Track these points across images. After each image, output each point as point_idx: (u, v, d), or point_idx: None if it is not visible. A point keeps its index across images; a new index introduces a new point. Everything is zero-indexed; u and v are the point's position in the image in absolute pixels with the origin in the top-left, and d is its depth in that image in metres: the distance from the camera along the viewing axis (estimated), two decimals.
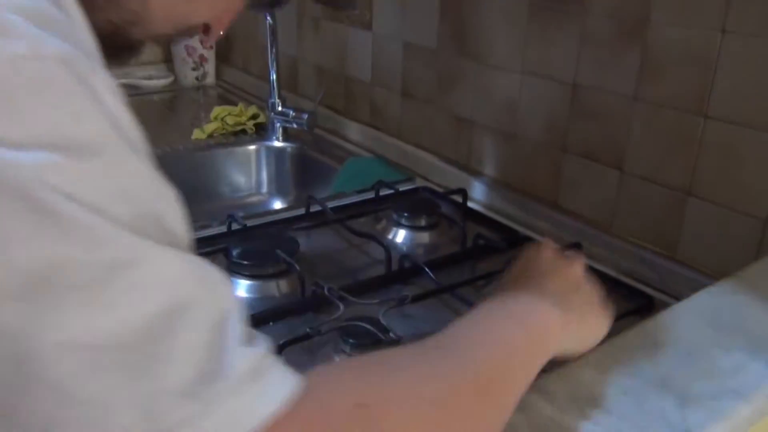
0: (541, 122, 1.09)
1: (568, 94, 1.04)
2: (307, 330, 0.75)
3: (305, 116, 1.45)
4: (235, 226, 1.03)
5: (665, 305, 0.86)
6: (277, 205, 1.49)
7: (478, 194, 1.21)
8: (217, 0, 0.57)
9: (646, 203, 0.96)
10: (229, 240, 0.98)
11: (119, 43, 0.54)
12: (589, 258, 0.97)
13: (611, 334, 0.57)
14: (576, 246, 0.98)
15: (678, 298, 0.88)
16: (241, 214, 1.08)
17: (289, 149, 1.50)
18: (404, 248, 1.04)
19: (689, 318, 0.61)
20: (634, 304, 0.89)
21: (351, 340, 0.75)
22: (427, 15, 1.26)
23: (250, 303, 0.89)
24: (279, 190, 1.51)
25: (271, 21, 1.43)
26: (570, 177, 1.07)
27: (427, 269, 0.90)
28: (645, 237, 0.97)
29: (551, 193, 1.10)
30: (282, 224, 1.06)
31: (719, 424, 0.47)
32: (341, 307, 0.81)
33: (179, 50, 1.89)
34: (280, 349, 0.73)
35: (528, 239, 1.06)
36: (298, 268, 0.88)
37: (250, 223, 1.04)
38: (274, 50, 1.46)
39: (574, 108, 1.04)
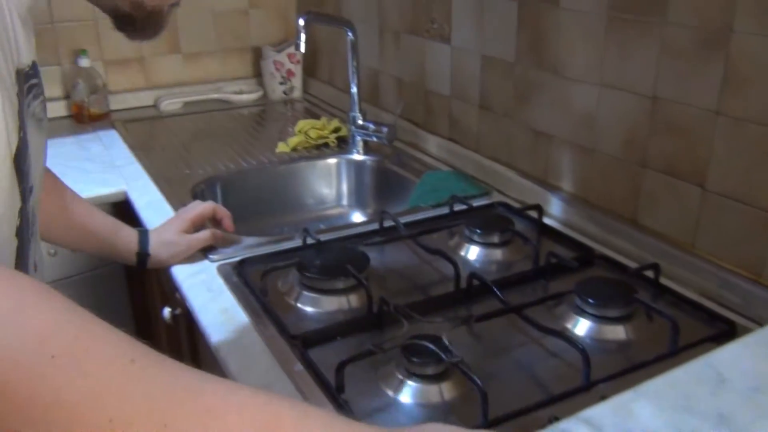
0: (619, 136, 1.06)
1: (648, 107, 1.00)
2: (370, 347, 0.76)
3: (385, 130, 1.47)
4: (309, 241, 1.06)
5: (747, 331, 0.82)
6: (357, 217, 1.51)
7: (555, 210, 1.18)
8: None
9: (729, 222, 0.92)
10: (302, 254, 1.01)
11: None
12: (668, 279, 0.94)
13: (675, 363, 0.55)
14: (653, 267, 0.94)
15: (761, 324, 0.83)
16: (319, 227, 1.11)
17: (368, 162, 1.52)
18: (476, 265, 1.04)
19: (760, 350, 0.57)
20: (714, 329, 0.85)
21: (414, 359, 0.75)
22: (504, 28, 1.25)
23: (320, 317, 0.91)
24: (359, 203, 1.54)
25: (352, 36, 1.46)
26: (650, 193, 1.03)
27: (495, 288, 0.89)
28: (728, 258, 0.92)
29: (630, 210, 1.07)
30: (355, 239, 1.08)
31: None
32: (406, 324, 0.82)
33: (268, 65, 1.95)
34: (342, 367, 0.74)
35: (603, 258, 1.03)
36: (366, 284, 0.90)
37: (323, 237, 1.07)
38: (354, 64, 1.49)
39: (654, 122, 1.00)
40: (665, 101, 0.98)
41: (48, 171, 0.93)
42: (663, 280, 0.95)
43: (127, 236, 1.03)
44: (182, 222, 1.07)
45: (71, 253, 1.37)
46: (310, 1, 1.98)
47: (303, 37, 1.30)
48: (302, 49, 1.31)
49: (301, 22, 1.31)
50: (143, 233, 1.04)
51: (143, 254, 1.03)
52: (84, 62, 1.74)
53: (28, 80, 0.58)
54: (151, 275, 1.35)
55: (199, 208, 1.09)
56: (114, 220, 1.04)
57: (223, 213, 1.12)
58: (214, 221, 1.12)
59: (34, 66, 0.61)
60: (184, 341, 1.11)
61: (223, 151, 1.57)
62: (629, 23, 1.01)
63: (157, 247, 1.03)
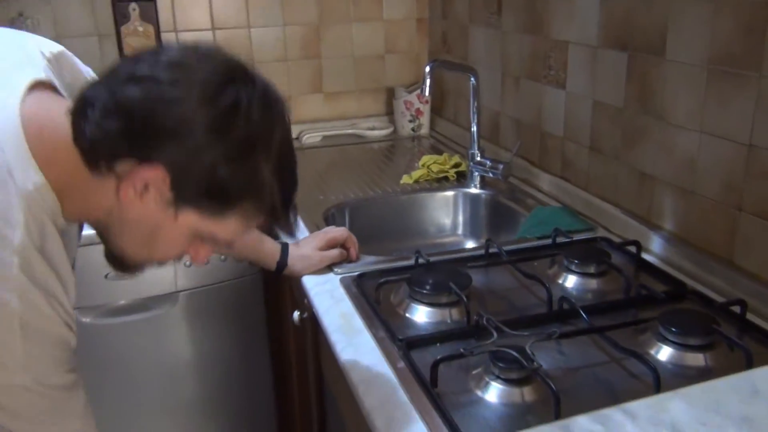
0: (718, 180, 1.12)
1: (744, 154, 1.06)
2: (461, 350, 0.88)
3: (501, 167, 1.59)
4: (420, 261, 1.20)
5: None
6: (470, 245, 1.63)
7: (655, 247, 1.25)
8: (169, 246, 0.76)
9: None
10: (413, 272, 1.15)
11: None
12: (757, 316, 0.99)
13: (713, 374, 0.63)
14: (739, 303, 1.00)
15: None
16: (431, 250, 1.24)
17: (484, 196, 1.64)
18: (572, 292, 1.13)
19: None
20: None
21: (500, 364, 0.87)
22: (615, 77, 1.34)
23: (424, 326, 1.05)
24: (473, 233, 1.66)
25: (474, 81, 1.60)
26: (745, 235, 1.08)
27: (581, 311, 0.99)
28: None
29: (726, 250, 1.12)
30: (461, 262, 1.21)
31: None
32: (494, 335, 0.93)
33: (399, 104, 2.14)
34: (436, 365, 0.87)
35: (695, 293, 1.09)
36: (465, 300, 1.02)
37: (433, 258, 1.20)
38: (475, 105, 1.63)
39: (750, 168, 1.06)
40: (761, 149, 1.03)
41: None
42: (751, 317, 1.00)
43: (271, 247, 1.22)
44: (319, 241, 1.25)
45: (220, 263, 1.59)
46: (440, 48, 2.15)
47: (428, 81, 1.46)
48: (426, 92, 1.47)
49: (428, 69, 1.47)
50: (285, 246, 1.23)
51: (282, 264, 1.22)
52: None
53: None
54: (284, 284, 1.54)
55: (335, 232, 1.27)
56: (259, 233, 1.24)
57: (352, 242, 1.28)
58: (343, 246, 1.28)
59: None
60: (308, 341, 1.28)
61: (353, 181, 1.75)
62: (728, 75, 1.08)
63: (294, 259, 1.22)
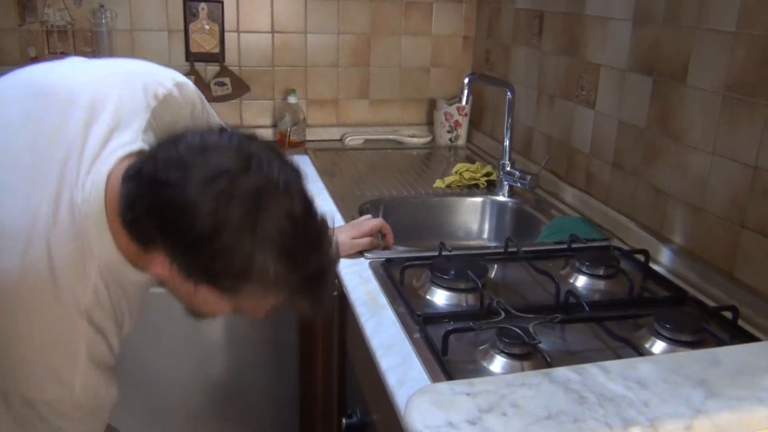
0: (724, 198, 1.21)
1: (749, 175, 1.15)
2: (471, 324, 0.99)
3: (529, 178, 1.69)
4: (443, 252, 1.31)
5: None
6: None
7: (664, 258, 1.34)
8: (211, 307, 0.89)
9: None
10: (436, 260, 1.26)
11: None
12: (750, 324, 1.08)
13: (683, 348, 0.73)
14: (731, 309, 1.08)
15: None
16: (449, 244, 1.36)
17: (510, 204, 1.75)
18: (581, 291, 1.23)
19: (759, 351, 0.73)
20: None
21: (504, 339, 0.97)
22: (640, 99, 1.44)
23: (442, 308, 1.16)
24: (497, 237, 1.77)
25: (510, 96, 1.71)
26: (746, 250, 1.17)
27: (584, 303, 1.09)
28: None
29: (728, 263, 1.21)
30: (477, 256, 1.32)
31: (731, 415, 0.60)
32: (502, 314, 1.04)
33: (439, 115, 2.26)
34: (447, 335, 0.98)
35: (694, 300, 1.18)
36: (479, 286, 1.13)
37: (455, 251, 1.31)
38: (510, 119, 1.74)
39: (754, 188, 1.15)
40: (765, 171, 1.12)
41: None
42: (743, 324, 1.09)
43: None
44: (356, 230, 1.36)
45: None
46: (482, 65, 2.26)
47: (466, 92, 1.58)
48: (464, 102, 1.59)
49: (466, 80, 1.59)
50: None
51: None
52: (292, 99, 2.14)
53: None
54: None
55: (373, 222, 1.38)
56: None
57: (388, 230, 1.40)
58: (379, 233, 1.40)
59: None
60: (336, 314, 1.39)
61: (390, 182, 1.87)
62: (741, 102, 1.17)
63: None
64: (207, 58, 2.09)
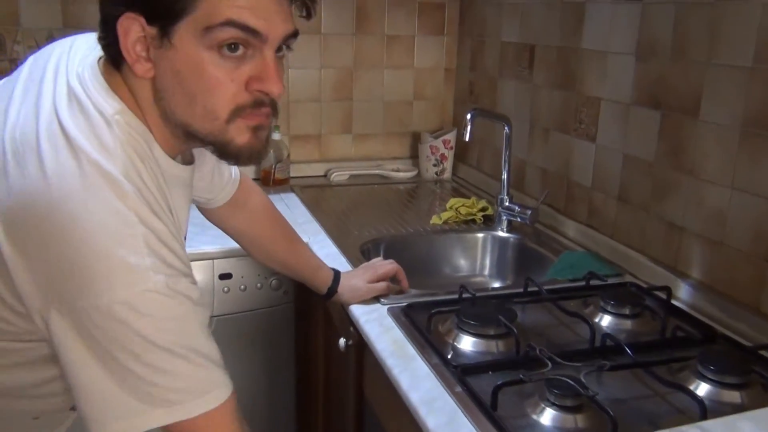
0: (747, 232, 1.21)
1: None
2: (521, 377, 0.95)
3: (529, 212, 1.67)
4: (465, 295, 1.27)
5: None
6: (495, 286, 1.70)
7: (683, 294, 1.33)
8: (207, 83, 0.77)
9: None
10: (461, 305, 1.21)
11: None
12: None
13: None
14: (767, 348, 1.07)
15: None
16: (473, 287, 1.31)
17: (511, 239, 1.72)
18: (608, 331, 1.20)
19: None
20: None
21: (555, 391, 0.93)
22: (647, 133, 1.43)
23: (473, 356, 1.11)
24: (499, 274, 1.73)
25: (508, 130, 1.69)
26: None
27: (626, 347, 1.06)
28: None
29: (753, 299, 1.20)
30: (503, 298, 1.28)
31: None
32: (549, 365, 0.99)
33: (425, 149, 2.23)
34: (497, 389, 0.93)
35: (725, 337, 1.16)
36: (515, 332, 1.09)
37: (478, 294, 1.27)
38: (507, 153, 1.71)
39: None
40: None
41: (279, 214, 1.32)
42: None
43: (325, 274, 1.31)
44: (371, 274, 1.31)
45: (255, 291, 1.65)
46: (466, 97, 2.25)
47: (469, 128, 1.55)
48: (467, 138, 1.56)
49: (469, 116, 1.56)
50: (337, 275, 1.31)
51: (332, 290, 1.30)
52: (276, 136, 2.08)
53: None
54: (318, 314, 1.60)
55: (388, 267, 1.34)
56: (319, 260, 1.35)
57: (402, 275, 1.35)
58: (394, 278, 1.35)
59: None
60: (351, 366, 1.33)
61: (382, 218, 1.82)
62: (761, 137, 1.17)
63: (344, 288, 1.29)
64: None
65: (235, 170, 1.21)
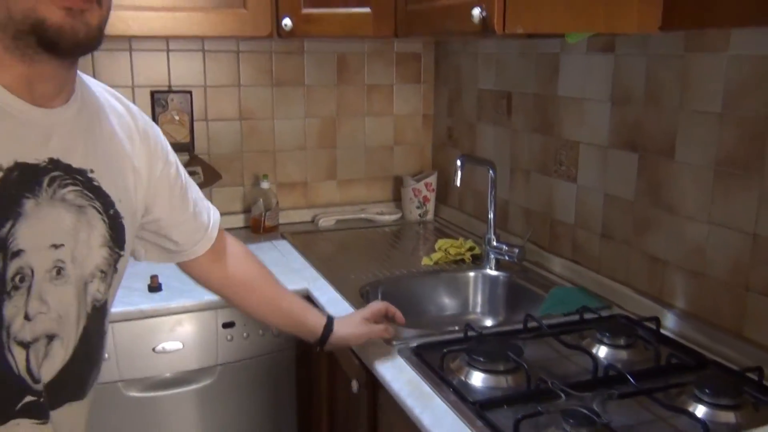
0: (726, 264, 1.31)
1: (750, 242, 1.26)
2: (539, 409, 1.02)
3: (516, 251, 1.76)
4: (471, 333, 1.34)
5: None
6: (488, 323, 1.78)
7: (670, 323, 1.42)
8: None
9: None
10: (468, 343, 1.28)
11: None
12: None
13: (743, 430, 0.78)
14: (757, 370, 1.16)
15: None
16: (478, 325, 1.39)
17: (501, 277, 1.80)
18: (605, 362, 1.28)
19: None
20: None
21: (571, 420, 1.00)
22: (626, 174, 1.54)
23: (483, 391, 1.17)
24: (491, 311, 1.81)
25: (493, 174, 1.79)
26: (753, 311, 1.27)
27: (629, 376, 1.14)
28: None
29: (736, 325, 1.30)
30: (508, 335, 1.35)
31: None
32: (563, 396, 1.07)
33: (407, 192, 2.31)
34: (518, 422, 1.00)
35: (715, 363, 1.25)
36: (526, 366, 1.16)
37: (484, 331, 1.34)
38: (493, 194, 1.81)
39: (755, 253, 1.25)
40: (765, 238, 1.23)
41: (259, 263, 1.32)
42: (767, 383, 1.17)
43: (315, 321, 1.31)
44: (364, 313, 1.36)
45: (258, 337, 1.69)
46: (445, 141, 2.35)
47: (459, 174, 1.65)
48: (458, 183, 1.65)
49: (459, 162, 1.65)
50: (330, 319, 1.32)
51: (327, 331, 1.30)
52: (265, 185, 2.14)
53: (43, 173, 0.84)
54: (321, 356, 1.64)
55: (378, 306, 1.39)
56: (305, 303, 1.36)
57: (395, 309, 1.41)
58: (387, 318, 1.40)
59: (54, 162, 0.85)
60: (363, 408, 1.38)
61: (374, 261, 1.89)
62: (734, 176, 1.28)
63: (342, 330, 1.31)
64: (178, 148, 2.06)
65: (213, 216, 1.22)
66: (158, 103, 2.02)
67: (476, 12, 1.24)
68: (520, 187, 1.94)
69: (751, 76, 1.24)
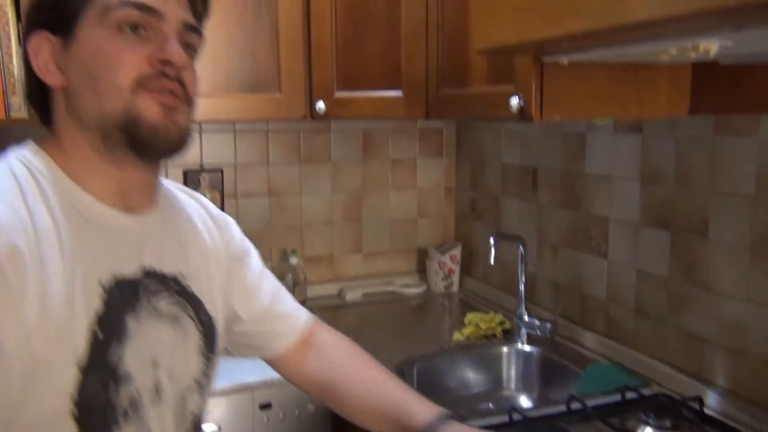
0: (766, 342, 1.32)
1: None
2: None
3: (549, 325, 1.77)
4: (515, 416, 1.34)
5: None
6: (523, 400, 1.77)
7: (711, 401, 1.42)
8: (105, 59, 0.77)
9: None
10: (515, 428, 1.28)
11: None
12: None
13: None
14: None
15: None
16: (521, 407, 1.39)
17: (534, 353, 1.81)
18: None
19: None
20: None
21: None
22: (658, 251, 1.57)
23: None
24: (525, 387, 1.81)
25: (523, 249, 1.81)
26: None
27: None
28: None
29: None
30: (552, 418, 1.35)
31: None
32: None
33: (432, 264, 2.33)
34: None
35: None
36: None
37: (529, 414, 1.34)
38: (523, 269, 1.83)
39: None
40: None
41: (356, 348, 1.18)
42: None
43: (426, 406, 1.01)
44: None
45: (294, 417, 1.68)
46: (468, 214, 2.39)
47: (494, 252, 1.67)
48: (492, 262, 1.67)
49: (492, 241, 1.68)
50: (444, 413, 0.99)
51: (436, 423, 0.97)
52: (294, 260, 2.16)
53: (140, 286, 0.81)
54: None
55: None
56: (410, 391, 1.08)
57: None
58: None
59: (147, 272, 0.83)
60: None
61: (404, 335, 1.91)
62: None
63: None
64: None
65: (298, 308, 1.14)
66: (191, 181, 2.07)
67: (514, 102, 1.29)
68: (548, 260, 1.96)
69: None
